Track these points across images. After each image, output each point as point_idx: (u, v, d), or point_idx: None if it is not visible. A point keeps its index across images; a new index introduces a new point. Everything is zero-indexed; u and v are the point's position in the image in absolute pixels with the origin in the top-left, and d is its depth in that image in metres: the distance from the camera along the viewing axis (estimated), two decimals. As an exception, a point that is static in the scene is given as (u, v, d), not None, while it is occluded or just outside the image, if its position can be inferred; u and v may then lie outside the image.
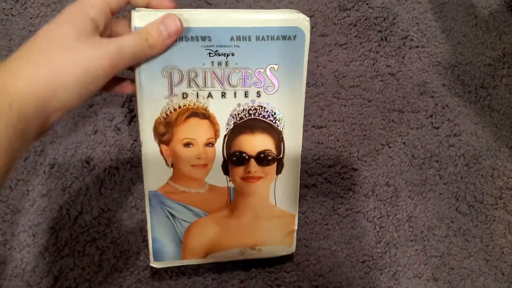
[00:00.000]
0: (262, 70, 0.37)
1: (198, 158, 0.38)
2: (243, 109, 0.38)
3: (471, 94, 0.55)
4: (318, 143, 0.50)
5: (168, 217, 0.40)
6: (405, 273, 0.46)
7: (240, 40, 0.36)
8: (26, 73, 0.30)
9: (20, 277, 0.43)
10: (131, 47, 0.33)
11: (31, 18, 0.54)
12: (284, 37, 0.37)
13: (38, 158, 0.48)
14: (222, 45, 0.36)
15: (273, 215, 0.41)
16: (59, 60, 0.30)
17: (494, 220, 0.50)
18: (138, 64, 0.35)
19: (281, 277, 0.45)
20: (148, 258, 0.40)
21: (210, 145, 0.38)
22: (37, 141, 0.49)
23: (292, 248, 0.42)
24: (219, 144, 0.39)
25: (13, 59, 0.31)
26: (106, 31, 0.35)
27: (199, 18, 0.35)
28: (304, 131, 0.50)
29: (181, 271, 0.44)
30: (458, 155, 0.52)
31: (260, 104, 0.38)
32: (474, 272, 0.47)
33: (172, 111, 0.37)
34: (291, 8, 0.41)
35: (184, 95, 0.37)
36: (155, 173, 0.39)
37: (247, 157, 0.39)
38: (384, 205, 0.49)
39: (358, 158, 0.50)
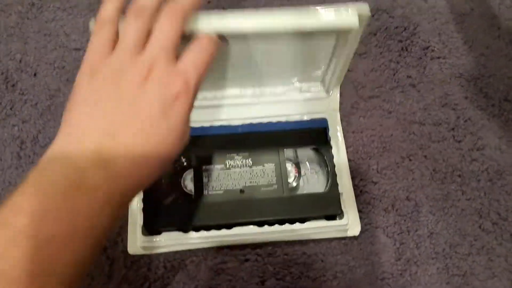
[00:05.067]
0: None
1: None
2: None
3: (495, 107, 0.53)
4: (336, 154, 0.49)
5: None
6: (426, 292, 0.44)
7: None
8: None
9: (27, 286, 0.41)
10: None
11: (46, 22, 0.54)
12: None
13: (50, 164, 0.47)
14: None
15: None
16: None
17: (519, 238, 0.48)
18: None
19: (296, 293, 0.43)
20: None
21: None
22: (48, 146, 0.48)
23: None
24: None
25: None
26: None
27: None
28: (322, 141, 0.49)
29: (194, 284, 0.43)
30: (481, 170, 0.50)
31: None
32: (498, 293, 0.45)
33: None
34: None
35: None
36: None
37: None
38: (405, 220, 0.47)
39: (377, 171, 0.49)
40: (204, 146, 0.43)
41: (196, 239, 0.42)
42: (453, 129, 0.51)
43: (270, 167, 0.44)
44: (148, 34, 0.27)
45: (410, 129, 0.51)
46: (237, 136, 0.45)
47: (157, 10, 0.28)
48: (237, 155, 0.44)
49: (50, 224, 0.23)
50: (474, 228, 0.47)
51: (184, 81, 0.27)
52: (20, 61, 0.52)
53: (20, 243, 0.22)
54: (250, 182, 0.43)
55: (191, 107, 0.28)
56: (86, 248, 0.25)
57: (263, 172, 0.43)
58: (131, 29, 0.27)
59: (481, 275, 0.45)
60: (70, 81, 0.51)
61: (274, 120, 0.47)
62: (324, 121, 0.47)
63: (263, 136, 0.45)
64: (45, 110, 0.50)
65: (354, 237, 0.45)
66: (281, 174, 0.44)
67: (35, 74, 0.51)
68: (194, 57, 0.28)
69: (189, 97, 0.27)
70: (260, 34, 0.35)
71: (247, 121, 0.46)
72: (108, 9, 0.28)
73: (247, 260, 0.44)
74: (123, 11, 0.29)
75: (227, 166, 0.43)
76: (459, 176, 0.49)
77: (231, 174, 0.43)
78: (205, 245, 0.44)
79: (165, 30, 0.27)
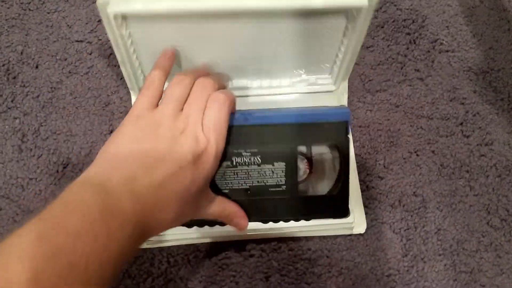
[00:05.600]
0: None
1: None
2: None
3: (504, 102, 0.52)
4: (342, 149, 0.48)
5: None
6: (433, 289, 0.44)
7: None
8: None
9: (29, 281, 0.41)
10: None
11: (48, 13, 0.53)
12: None
13: (52, 157, 0.47)
14: None
15: None
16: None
17: (528, 235, 0.47)
18: None
19: (301, 289, 0.43)
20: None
21: None
22: (51, 140, 0.47)
23: None
24: None
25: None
26: None
27: None
28: (328, 136, 0.48)
29: (197, 280, 0.42)
30: (489, 166, 0.49)
31: None
32: (506, 290, 0.45)
33: None
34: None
35: None
36: None
37: None
38: (412, 216, 0.46)
39: (384, 166, 0.48)
40: None
41: (200, 234, 0.41)
42: (461, 123, 0.50)
43: (280, 166, 0.40)
44: (186, 98, 0.34)
45: (417, 124, 0.50)
46: (246, 129, 0.39)
47: (194, 81, 0.36)
48: (245, 151, 0.39)
49: (87, 242, 0.24)
50: (482, 224, 0.47)
51: (208, 139, 0.33)
52: (22, 52, 0.51)
53: (58, 260, 0.22)
54: (258, 182, 0.40)
55: (216, 158, 0.33)
56: (111, 270, 0.26)
57: (272, 172, 0.40)
58: (174, 92, 0.34)
59: (489, 272, 0.45)
60: (72, 73, 0.50)
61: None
62: (346, 113, 0.40)
63: (276, 129, 0.39)
64: (47, 103, 0.49)
65: (360, 233, 0.45)
66: (291, 175, 0.40)
67: (36, 66, 0.51)
68: (215, 116, 0.34)
69: (212, 151, 0.33)
70: (267, 13, 0.36)
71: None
72: (156, 73, 0.35)
73: (251, 255, 0.43)
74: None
75: (234, 163, 0.40)
76: (467, 171, 0.48)
77: (238, 172, 0.40)
78: (209, 240, 0.43)
79: (198, 96, 0.34)
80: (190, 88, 0.35)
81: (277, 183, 0.40)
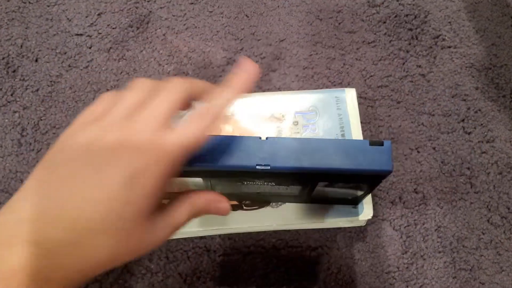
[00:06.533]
0: None
1: None
2: None
3: (506, 99, 0.52)
4: (343, 145, 0.48)
5: None
6: (433, 286, 0.43)
7: None
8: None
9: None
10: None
11: (48, 6, 0.53)
12: None
13: (51, 151, 0.46)
14: None
15: None
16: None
17: (528, 233, 0.47)
18: None
19: (300, 286, 0.43)
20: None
21: None
22: (50, 134, 0.47)
23: None
24: None
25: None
26: None
27: None
28: (329, 132, 0.48)
29: (196, 275, 0.42)
30: (491, 163, 0.49)
31: None
32: (506, 287, 0.44)
33: None
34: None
35: None
36: None
37: None
38: (412, 213, 0.46)
39: (385, 163, 0.48)
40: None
41: (199, 229, 0.41)
42: (463, 120, 0.50)
43: (297, 188, 0.35)
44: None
45: (419, 120, 0.50)
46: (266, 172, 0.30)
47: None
48: (257, 180, 0.33)
49: None
50: (483, 221, 0.46)
51: (163, 151, 0.23)
52: (21, 46, 0.51)
53: None
54: (269, 191, 0.36)
55: (163, 180, 0.23)
56: None
57: (287, 189, 0.35)
58: (129, 96, 0.25)
59: (489, 269, 0.45)
60: (71, 67, 0.50)
61: None
62: (387, 165, 0.30)
63: (299, 174, 0.31)
64: (46, 97, 0.49)
65: (360, 230, 0.45)
66: (307, 191, 0.36)
67: (36, 60, 0.50)
68: (191, 126, 0.24)
69: (160, 169, 0.23)
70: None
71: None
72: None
73: (250, 252, 0.43)
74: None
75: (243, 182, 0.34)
76: (468, 168, 0.48)
77: (245, 186, 0.34)
78: (208, 235, 0.43)
79: (160, 100, 0.24)
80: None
81: (290, 193, 0.36)
